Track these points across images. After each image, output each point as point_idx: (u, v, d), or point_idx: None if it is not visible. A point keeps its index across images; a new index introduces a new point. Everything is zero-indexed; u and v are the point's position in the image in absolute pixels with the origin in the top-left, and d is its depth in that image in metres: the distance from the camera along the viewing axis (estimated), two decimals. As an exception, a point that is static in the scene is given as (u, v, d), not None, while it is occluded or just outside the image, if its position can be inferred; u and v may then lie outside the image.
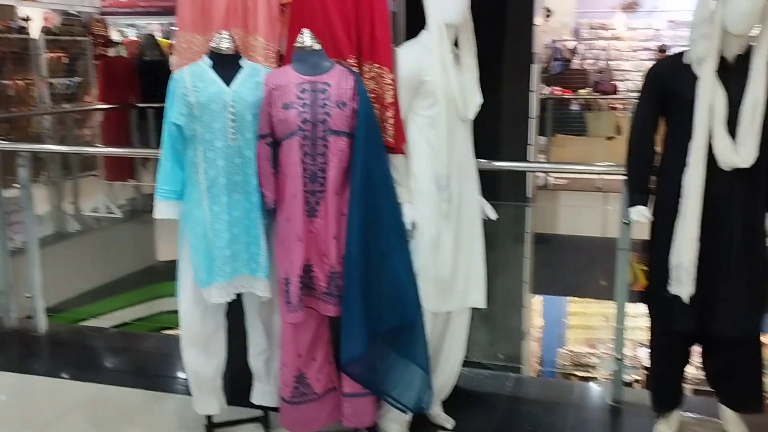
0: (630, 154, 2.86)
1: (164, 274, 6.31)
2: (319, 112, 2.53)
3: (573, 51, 10.70)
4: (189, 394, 2.92)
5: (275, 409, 2.87)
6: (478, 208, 2.91)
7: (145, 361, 3.82)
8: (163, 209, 2.69)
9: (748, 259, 2.67)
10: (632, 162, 2.85)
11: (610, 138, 8.04)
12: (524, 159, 3.68)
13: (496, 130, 2.98)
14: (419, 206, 2.72)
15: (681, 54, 2.70)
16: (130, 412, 3.18)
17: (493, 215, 2.96)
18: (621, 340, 3.30)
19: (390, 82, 2.71)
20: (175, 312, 2.79)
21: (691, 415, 3.02)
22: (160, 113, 2.78)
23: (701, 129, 2.57)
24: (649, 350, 2.98)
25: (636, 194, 2.83)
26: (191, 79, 2.57)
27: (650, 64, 3.17)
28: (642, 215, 2.81)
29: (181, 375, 3.40)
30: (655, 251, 2.78)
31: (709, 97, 2.56)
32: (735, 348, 2.77)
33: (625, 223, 3.11)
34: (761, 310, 2.73)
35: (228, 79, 2.59)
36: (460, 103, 2.76)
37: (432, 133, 2.72)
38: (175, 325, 2.95)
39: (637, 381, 7.28)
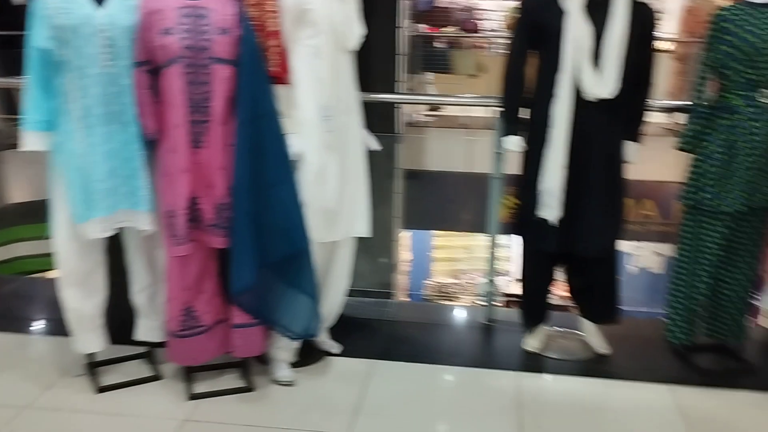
0: (504, 86, 3.00)
1: (18, 217, 5.93)
2: (200, 39, 2.45)
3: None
4: (63, 335, 2.82)
5: (161, 345, 2.83)
6: (361, 140, 2.95)
7: (9, 305, 3.61)
8: (31, 140, 2.52)
9: (607, 185, 2.91)
10: (506, 93, 2.99)
11: (472, 76, 8.29)
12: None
13: (365, 67, 3.00)
14: (305, 137, 2.73)
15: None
16: (0, 357, 3.03)
17: (376, 146, 3.02)
18: (493, 266, 3.50)
19: (272, 9, 2.67)
20: (35, 257, 2.65)
21: (555, 328, 3.30)
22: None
23: (568, 60, 2.74)
24: (522, 271, 3.21)
25: (510, 125, 2.99)
26: (57, 0, 2.40)
27: (510, 4, 3.28)
28: (515, 144, 2.97)
29: (52, 317, 3.26)
30: (526, 178, 2.96)
31: (576, 30, 2.73)
32: (595, 266, 3.04)
33: (498, 153, 3.27)
34: (618, 231, 3.00)
35: (100, 1, 2.44)
36: (342, 34, 2.76)
37: (316, 64, 2.71)
38: (37, 271, 2.80)
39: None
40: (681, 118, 3.11)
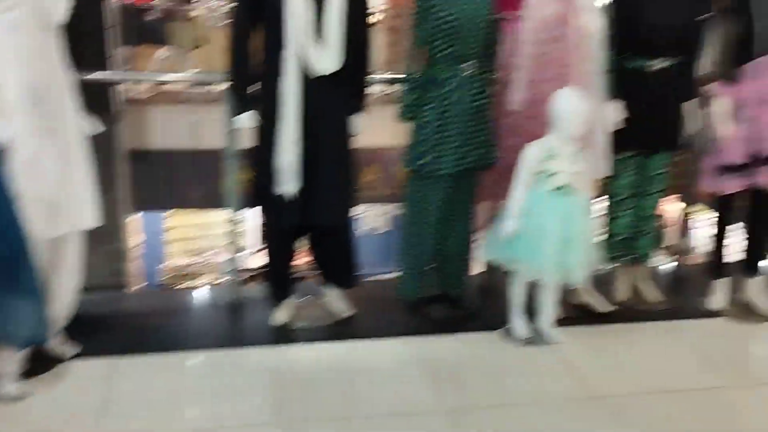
0: (230, 63, 2.95)
1: None
2: None
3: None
4: None
5: None
6: (78, 123, 2.72)
7: None
8: None
9: (339, 157, 3.03)
10: (233, 70, 2.95)
11: (196, 47, 8.02)
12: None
13: (71, 42, 2.75)
14: (10, 122, 2.43)
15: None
16: None
17: (95, 128, 2.80)
18: (235, 244, 3.47)
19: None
20: None
21: (303, 299, 3.38)
22: None
23: (292, 37, 2.78)
24: (265, 246, 3.23)
25: (240, 101, 2.96)
26: None
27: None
28: (247, 121, 2.95)
29: None
30: (261, 154, 2.96)
31: (296, 6, 2.77)
32: (333, 235, 3.17)
33: (230, 129, 3.22)
34: (351, 199, 3.15)
35: None
36: (44, 6, 2.50)
37: (16, 40, 2.43)
38: None
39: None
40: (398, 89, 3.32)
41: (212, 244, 9.47)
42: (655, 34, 3.17)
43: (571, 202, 2.98)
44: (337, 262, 3.27)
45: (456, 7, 3.00)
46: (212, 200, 5.57)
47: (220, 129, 3.30)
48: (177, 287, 8.75)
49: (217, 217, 8.91)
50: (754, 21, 3.14)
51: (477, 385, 2.79)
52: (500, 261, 3.09)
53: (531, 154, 2.98)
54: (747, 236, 3.54)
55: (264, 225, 3.16)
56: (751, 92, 3.21)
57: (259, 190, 3.03)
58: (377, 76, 3.34)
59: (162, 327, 3.20)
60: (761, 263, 3.53)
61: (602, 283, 3.63)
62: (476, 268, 3.64)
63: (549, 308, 3.18)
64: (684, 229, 3.94)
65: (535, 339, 3.14)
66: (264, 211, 3.10)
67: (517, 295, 3.17)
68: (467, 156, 3.16)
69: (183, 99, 7.33)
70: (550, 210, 2.96)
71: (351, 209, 3.18)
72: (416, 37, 3.09)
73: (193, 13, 8.83)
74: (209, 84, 3.19)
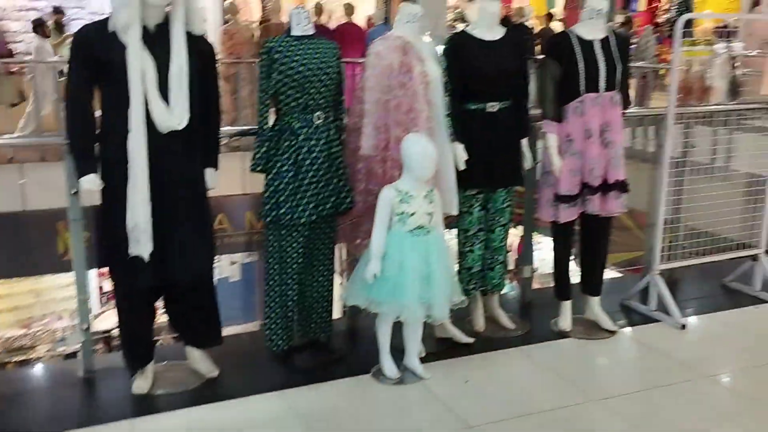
0: (69, 123, 2.80)
1: None
2: None
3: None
4: None
5: None
6: None
7: None
8: None
9: (194, 211, 2.95)
10: (73, 131, 2.81)
11: (14, 105, 7.51)
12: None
13: None
14: None
15: (107, 20, 2.74)
16: None
17: None
18: (85, 310, 3.24)
19: None
20: None
21: (162, 363, 3.22)
22: None
23: (136, 95, 2.69)
24: (119, 311, 3.05)
25: (82, 162, 2.80)
26: None
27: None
28: (93, 183, 2.80)
29: None
30: (111, 216, 2.81)
31: (139, 63, 2.69)
32: (193, 291, 3.06)
33: (73, 193, 3.03)
34: (211, 254, 3.07)
35: None
36: None
37: None
38: None
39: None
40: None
41: (50, 310, 8.77)
42: (486, 80, 3.40)
43: (428, 240, 3.08)
44: (198, 320, 3.15)
45: (302, 59, 3.05)
46: (48, 265, 5.18)
47: (56, 189, 3.10)
48: (4, 363, 8.00)
49: (55, 281, 8.29)
50: (576, 64, 3.46)
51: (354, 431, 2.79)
52: (364, 304, 3.12)
53: (386, 197, 3.06)
54: (584, 259, 3.84)
55: (116, 287, 2.99)
56: (577, 128, 3.52)
57: (110, 251, 2.88)
58: (228, 130, 3.29)
59: (5, 414, 2.90)
60: (600, 283, 3.84)
61: (460, 315, 3.78)
62: (339, 311, 3.66)
63: (415, 346, 3.25)
64: (527, 254, 4.19)
65: (405, 377, 3.20)
66: (116, 272, 2.93)
67: (383, 336, 3.21)
68: (324, 203, 3.19)
69: (8, 159, 6.83)
70: (409, 250, 3.05)
71: (211, 264, 3.09)
72: (265, 90, 3.09)
73: (9, 68, 8.29)
74: (47, 146, 2.98)
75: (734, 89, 4.11)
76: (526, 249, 4.20)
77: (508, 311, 3.94)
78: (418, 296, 3.04)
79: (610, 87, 3.50)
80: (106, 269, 3.03)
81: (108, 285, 8.91)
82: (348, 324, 3.76)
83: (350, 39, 9.78)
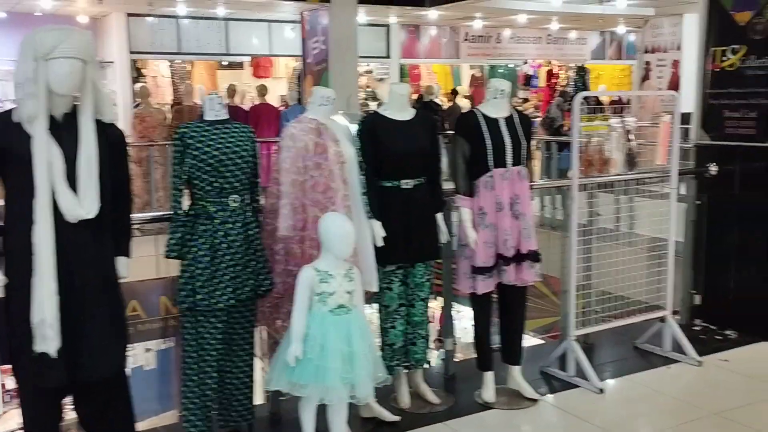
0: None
1: None
2: None
3: None
4: None
5: None
6: None
7: None
8: None
9: (105, 303, 2.82)
10: (-27, 224, 2.68)
11: None
12: None
13: None
14: None
15: (11, 111, 2.68)
16: None
17: None
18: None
19: None
20: None
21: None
22: None
23: (43, 186, 2.60)
24: (21, 412, 2.86)
25: (-17, 256, 2.68)
26: None
27: None
28: (-5, 277, 2.67)
29: None
30: (15, 312, 2.68)
31: (46, 154, 2.61)
32: (104, 387, 2.90)
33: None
34: (124, 348, 2.94)
35: None
36: None
37: None
38: None
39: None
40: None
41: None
42: (399, 159, 3.49)
43: (349, 319, 3.07)
44: (110, 417, 2.97)
45: (215, 144, 3.06)
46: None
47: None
48: None
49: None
50: (486, 140, 3.60)
51: None
52: (287, 388, 3.05)
53: (305, 278, 3.05)
54: (503, 329, 3.90)
55: (20, 386, 2.82)
56: (488, 201, 3.64)
57: (15, 348, 2.72)
58: (141, 217, 3.23)
59: None
60: (520, 351, 3.89)
61: (386, 393, 3.75)
62: (262, 396, 3.56)
63: (340, 428, 3.19)
64: (448, 326, 4.22)
65: (331, 462, 3.12)
66: (20, 370, 2.76)
67: (307, 422, 3.14)
68: (243, 286, 3.14)
69: None
70: (330, 330, 3.02)
71: (123, 358, 2.95)
72: (179, 175, 3.07)
73: None
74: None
75: (631, 160, 4.40)
76: (446, 321, 4.24)
77: (433, 385, 3.94)
78: (341, 377, 3.00)
79: (516, 162, 3.66)
80: (9, 366, 2.85)
81: (11, 383, 8.39)
82: (271, 409, 3.66)
83: (265, 119, 9.92)
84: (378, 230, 3.45)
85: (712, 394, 3.91)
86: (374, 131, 3.49)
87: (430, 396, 3.80)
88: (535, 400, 3.78)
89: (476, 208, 3.67)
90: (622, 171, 4.42)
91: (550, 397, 3.85)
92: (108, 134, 2.81)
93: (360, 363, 3.04)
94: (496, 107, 3.71)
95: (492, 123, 3.66)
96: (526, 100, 15.92)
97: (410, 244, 3.54)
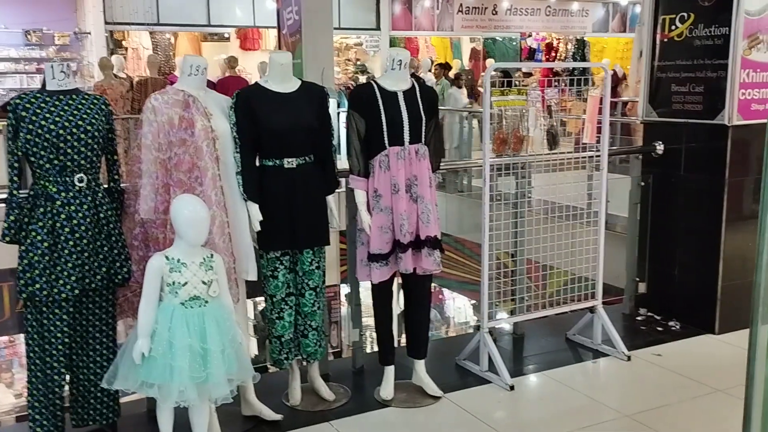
0: None
1: None
2: None
3: None
4: None
5: None
6: None
7: None
8: None
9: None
10: None
11: None
12: None
13: None
14: None
15: None
16: None
17: None
18: None
19: None
20: None
21: None
22: None
23: None
24: None
25: None
26: None
27: None
28: None
29: None
30: None
31: None
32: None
33: None
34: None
35: None
36: None
37: None
38: None
39: None
40: None
41: None
42: (278, 135, 3.17)
43: (204, 312, 2.78)
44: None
45: (53, 117, 2.76)
46: None
47: None
48: None
49: None
50: (382, 115, 3.28)
51: None
52: (135, 387, 2.78)
53: (154, 267, 2.76)
54: (408, 320, 3.60)
55: None
56: (383, 183, 3.32)
57: None
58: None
59: None
60: (424, 344, 3.60)
61: (281, 388, 3.50)
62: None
63: (201, 429, 2.92)
64: (356, 317, 3.93)
65: (191, 466, 2.86)
66: None
67: (164, 423, 2.87)
68: (92, 275, 2.87)
69: None
70: (181, 324, 2.74)
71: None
72: (14, 152, 2.78)
73: None
74: None
75: (552, 138, 4.03)
76: (353, 310, 3.95)
77: (339, 380, 3.67)
78: (192, 376, 2.72)
79: (415, 140, 3.33)
80: None
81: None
82: (148, 406, 3.40)
83: (234, 92, 9.59)
84: (255, 213, 3.15)
85: (630, 393, 3.61)
86: (250, 104, 3.17)
87: (325, 392, 3.52)
88: (437, 398, 3.49)
89: (371, 190, 3.36)
90: (541, 150, 4.08)
91: (455, 393, 3.55)
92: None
93: (214, 360, 2.76)
94: (394, 79, 3.37)
95: (389, 96, 3.33)
96: (528, 75, 15.40)
97: (295, 229, 3.24)
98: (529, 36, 17.13)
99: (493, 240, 3.74)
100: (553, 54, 17.26)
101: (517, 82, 3.72)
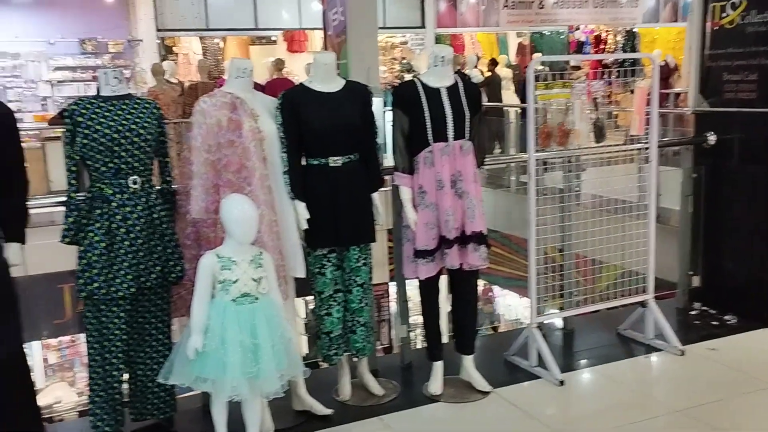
0: None
1: None
2: None
3: None
4: None
5: None
6: None
7: None
8: None
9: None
10: None
11: None
12: None
13: None
14: None
15: None
16: None
17: None
18: None
19: None
20: None
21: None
22: None
23: None
24: None
25: None
26: None
27: None
28: None
29: None
30: None
31: None
32: (2, 380, 2.79)
33: None
34: (16, 340, 2.81)
35: None
36: None
37: None
38: None
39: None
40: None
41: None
42: (325, 135, 3.21)
43: (254, 309, 2.85)
44: (13, 410, 2.87)
45: (108, 122, 2.86)
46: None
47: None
48: None
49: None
50: (425, 112, 3.30)
51: None
52: (189, 382, 2.87)
53: (205, 265, 2.84)
54: (455, 316, 3.61)
55: None
56: (428, 179, 3.34)
57: None
58: (37, 202, 3.08)
59: None
60: (471, 340, 3.61)
61: (327, 383, 3.55)
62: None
63: (255, 424, 2.98)
64: (403, 313, 3.96)
65: (245, 459, 2.93)
66: None
67: (218, 416, 2.95)
68: (147, 273, 2.96)
69: None
70: (232, 321, 2.81)
71: (18, 351, 2.83)
72: (71, 156, 2.89)
73: None
74: None
75: (599, 131, 3.96)
76: (401, 307, 3.97)
77: (387, 375, 3.71)
78: (243, 371, 2.79)
79: (458, 135, 3.34)
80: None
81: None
82: (203, 400, 3.49)
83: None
84: (301, 211, 3.21)
85: (683, 388, 3.54)
86: (296, 104, 3.22)
87: (374, 387, 3.56)
88: (485, 393, 3.49)
89: (416, 187, 3.38)
90: (587, 143, 4.03)
91: (504, 389, 3.54)
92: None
93: (265, 356, 2.82)
94: (437, 76, 3.39)
95: (432, 93, 3.34)
96: (577, 68, 15.18)
97: (340, 226, 3.28)
98: (577, 29, 16.86)
99: (540, 235, 3.72)
100: (602, 46, 16.96)
101: (565, 76, 3.67)
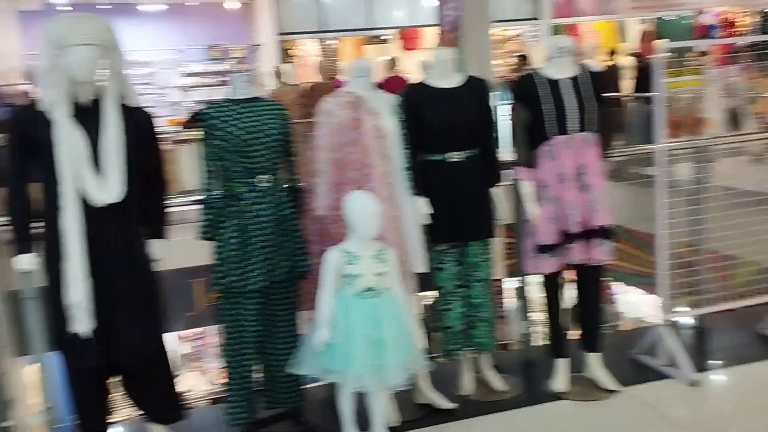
0: (9, 206, 2.84)
1: None
2: None
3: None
4: None
5: None
6: None
7: None
8: None
9: (137, 287, 2.89)
10: (11, 212, 2.84)
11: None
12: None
13: None
14: None
15: (35, 101, 2.78)
16: None
17: None
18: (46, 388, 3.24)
19: None
20: None
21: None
22: None
23: (67, 171, 2.69)
24: (71, 393, 3.00)
25: (20, 243, 2.83)
26: None
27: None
28: (27, 263, 2.82)
29: None
30: (52, 294, 2.81)
31: (68, 140, 2.69)
32: (145, 369, 2.98)
33: (22, 272, 3.07)
34: (158, 331, 3.00)
35: None
36: None
37: None
38: None
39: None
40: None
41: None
42: (444, 130, 3.23)
43: (378, 303, 2.91)
44: (157, 397, 3.07)
45: (240, 123, 3.00)
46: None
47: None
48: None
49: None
50: (542, 106, 3.25)
51: None
52: (317, 373, 2.97)
53: (331, 260, 2.93)
54: (580, 313, 3.53)
55: (67, 368, 2.96)
56: (550, 173, 3.28)
57: (57, 332, 2.86)
58: (177, 200, 3.27)
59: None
60: (596, 337, 3.51)
61: (448, 378, 3.56)
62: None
63: (379, 416, 3.05)
64: (523, 309, 3.91)
65: (370, 450, 3.00)
66: (63, 353, 2.91)
67: (345, 407, 3.04)
68: (277, 268, 3.08)
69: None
70: (357, 314, 2.89)
71: (160, 341, 3.01)
72: (206, 157, 3.06)
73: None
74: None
75: (734, 118, 3.72)
76: (521, 303, 3.92)
77: (510, 371, 3.68)
78: (368, 364, 2.85)
79: (581, 127, 3.26)
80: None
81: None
82: (327, 391, 3.59)
83: (395, 92, 9.80)
84: (422, 207, 3.24)
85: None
86: (415, 101, 3.26)
87: (496, 383, 3.54)
88: (612, 391, 3.39)
89: (537, 181, 3.33)
90: (719, 133, 3.80)
91: (632, 388, 3.43)
92: (134, 118, 2.85)
93: (390, 349, 2.88)
94: (557, 67, 3.32)
95: (553, 85, 3.28)
96: (703, 54, 14.39)
97: (459, 222, 3.29)
98: (704, 13, 15.95)
99: (668, 229, 3.57)
100: (732, 30, 15.97)
101: (691, 63, 3.50)
